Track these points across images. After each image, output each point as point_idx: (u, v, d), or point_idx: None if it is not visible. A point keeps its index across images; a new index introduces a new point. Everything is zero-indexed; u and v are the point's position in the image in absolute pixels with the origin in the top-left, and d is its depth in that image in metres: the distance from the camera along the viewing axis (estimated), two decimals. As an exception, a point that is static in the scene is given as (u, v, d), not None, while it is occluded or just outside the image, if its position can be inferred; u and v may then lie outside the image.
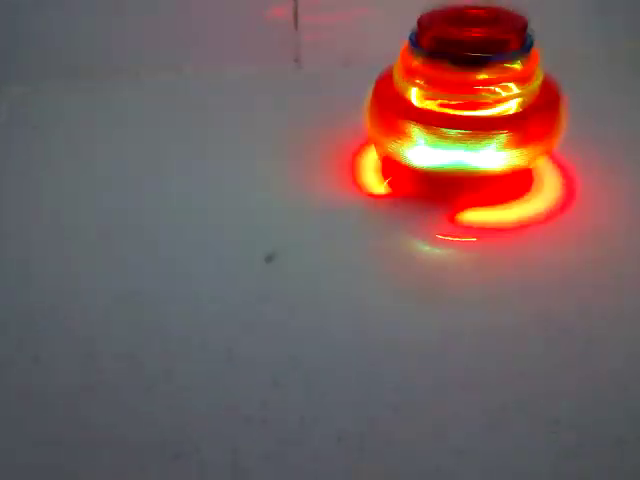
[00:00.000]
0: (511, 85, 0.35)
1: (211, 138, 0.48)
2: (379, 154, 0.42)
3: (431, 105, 0.36)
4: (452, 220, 0.38)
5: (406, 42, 0.37)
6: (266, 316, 0.32)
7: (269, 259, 0.36)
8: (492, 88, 0.35)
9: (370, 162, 0.43)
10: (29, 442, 0.26)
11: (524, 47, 0.35)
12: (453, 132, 0.35)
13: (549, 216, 0.38)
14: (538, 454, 0.25)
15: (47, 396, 0.28)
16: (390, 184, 0.41)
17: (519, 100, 0.35)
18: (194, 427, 0.26)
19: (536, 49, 0.36)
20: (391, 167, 0.41)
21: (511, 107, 0.35)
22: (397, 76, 0.38)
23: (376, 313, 0.32)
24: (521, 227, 0.37)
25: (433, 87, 0.35)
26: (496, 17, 0.36)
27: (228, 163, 0.45)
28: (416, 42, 0.36)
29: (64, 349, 0.30)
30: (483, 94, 0.35)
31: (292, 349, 0.30)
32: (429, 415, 0.27)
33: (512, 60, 0.35)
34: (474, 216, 0.38)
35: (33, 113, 0.52)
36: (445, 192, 0.39)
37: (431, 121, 0.35)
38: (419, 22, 0.36)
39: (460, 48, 0.34)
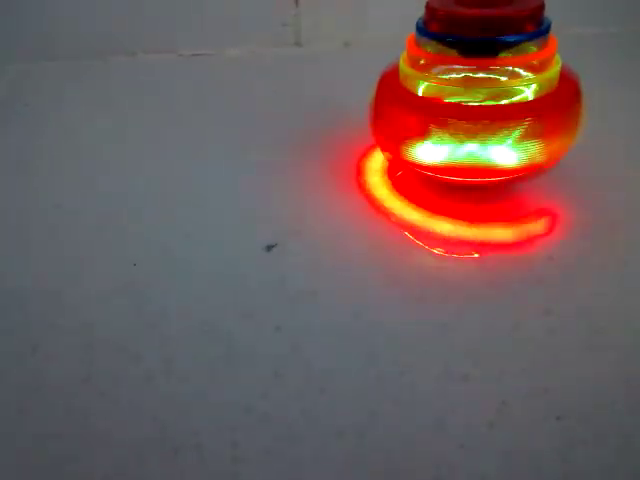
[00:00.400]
0: (527, 72, 0.33)
1: (210, 120, 0.47)
2: (386, 156, 0.40)
3: (441, 96, 0.34)
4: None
5: (412, 33, 0.35)
6: (266, 308, 0.31)
7: (269, 248, 0.35)
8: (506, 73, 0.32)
9: (376, 160, 0.42)
10: (26, 435, 0.26)
11: (541, 29, 0.33)
12: (465, 124, 0.32)
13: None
14: (539, 449, 0.25)
15: (45, 387, 0.28)
16: (399, 179, 0.39)
17: (535, 88, 0.33)
18: (194, 420, 0.26)
19: (553, 34, 0.34)
20: (399, 168, 0.40)
21: (527, 96, 0.33)
22: (404, 67, 0.35)
23: (378, 306, 0.32)
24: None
25: (442, 77, 0.33)
26: None
27: (228, 147, 0.44)
28: (424, 27, 0.34)
29: (63, 340, 0.30)
30: (497, 83, 0.32)
31: (293, 341, 0.30)
32: (430, 410, 0.27)
33: (528, 43, 0.32)
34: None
35: (30, 92, 0.52)
36: (458, 196, 0.37)
37: (441, 113, 0.33)
38: (427, 4, 0.34)
39: (471, 29, 0.32)
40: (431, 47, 0.34)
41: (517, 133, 0.33)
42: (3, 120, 0.47)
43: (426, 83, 0.34)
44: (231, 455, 0.25)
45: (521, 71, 0.33)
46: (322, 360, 0.29)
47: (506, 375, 0.28)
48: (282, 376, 0.28)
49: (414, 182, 0.39)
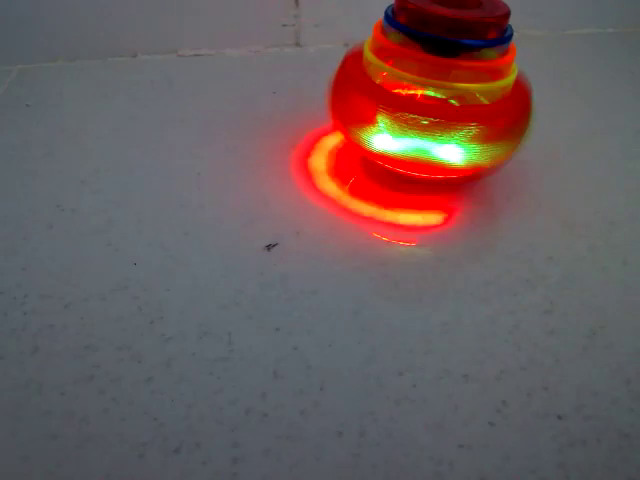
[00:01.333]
0: (485, 76, 0.33)
1: (210, 120, 0.47)
2: (342, 139, 0.40)
3: (400, 89, 0.34)
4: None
5: (380, 19, 0.36)
6: (266, 308, 0.31)
7: (270, 247, 0.35)
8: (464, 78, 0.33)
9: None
10: (26, 435, 0.26)
11: (504, 37, 0.33)
12: (420, 119, 0.33)
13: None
14: (539, 449, 0.25)
15: (45, 387, 0.27)
16: (353, 185, 0.40)
17: (491, 94, 0.34)
18: (194, 420, 0.26)
19: (514, 42, 0.35)
20: (353, 152, 0.40)
21: (482, 100, 0.34)
22: (367, 53, 0.36)
23: (378, 306, 0.32)
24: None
25: (404, 70, 0.34)
26: (479, 2, 0.34)
27: (228, 147, 0.44)
28: (392, 17, 0.34)
29: (63, 340, 0.30)
30: (454, 84, 0.33)
31: (293, 341, 0.30)
32: (430, 410, 0.27)
33: (489, 49, 0.33)
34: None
35: (29, 92, 0.52)
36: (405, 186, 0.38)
37: (398, 106, 0.33)
38: None
39: (435, 27, 0.32)
40: (395, 37, 0.34)
41: (464, 135, 0.33)
42: (3, 120, 0.47)
43: (384, 71, 0.35)
44: (231, 455, 0.25)
45: (479, 74, 0.33)
46: (322, 360, 0.29)
47: (506, 375, 0.28)
48: (282, 376, 0.28)
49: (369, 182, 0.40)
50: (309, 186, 0.40)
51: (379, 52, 0.35)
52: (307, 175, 0.41)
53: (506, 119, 0.34)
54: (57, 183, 0.40)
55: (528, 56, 0.38)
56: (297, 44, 0.60)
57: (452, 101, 0.34)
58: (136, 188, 0.40)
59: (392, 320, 0.31)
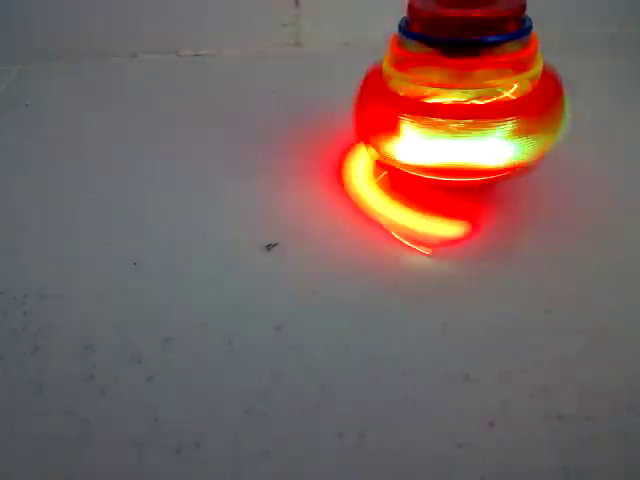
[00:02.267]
0: (509, 71, 0.33)
1: (210, 120, 0.47)
2: (371, 155, 0.40)
3: (422, 95, 0.34)
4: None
5: (395, 32, 0.35)
6: (266, 308, 0.31)
7: (270, 247, 0.35)
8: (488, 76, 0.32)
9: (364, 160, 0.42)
10: (26, 435, 0.26)
11: (523, 29, 0.33)
12: (448, 123, 0.32)
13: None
14: (539, 449, 0.25)
15: (45, 387, 0.27)
16: (384, 180, 0.40)
17: (517, 87, 0.33)
18: (194, 420, 0.26)
19: (535, 32, 0.34)
20: (384, 168, 0.40)
21: (509, 95, 0.33)
22: (387, 67, 0.35)
23: (378, 305, 0.32)
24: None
25: (425, 77, 0.33)
26: None
27: (228, 147, 0.44)
28: (407, 28, 0.34)
29: (63, 340, 0.30)
30: (480, 82, 0.32)
31: (293, 341, 0.30)
32: (430, 410, 0.27)
33: (510, 43, 0.32)
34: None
35: (30, 92, 0.52)
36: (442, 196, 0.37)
37: (423, 112, 0.33)
38: (410, 4, 0.34)
39: (453, 30, 0.32)
40: (413, 47, 0.34)
41: (499, 132, 0.33)
42: (3, 120, 0.47)
43: (407, 82, 0.34)
44: (231, 455, 0.25)
45: (503, 70, 0.33)
46: (322, 360, 0.29)
47: (506, 375, 0.28)
48: (282, 376, 0.28)
49: (399, 182, 0.39)
50: (309, 186, 0.40)
51: (399, 65, 0.35)
52: (307, 175, 0.41)
53: (538, 110, 0.34)
54: (57, 183, 0.40)
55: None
56: (297, 44, 0.60)
57: (476, 101, 0.33)
58: (136, 187, 0.40)
59: (392, 320, 0.31)
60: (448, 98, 0.33)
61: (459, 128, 0.33)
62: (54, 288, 0.32)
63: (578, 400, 0.27)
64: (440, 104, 0.33)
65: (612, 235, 0.36)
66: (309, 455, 0.25)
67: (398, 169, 0.37)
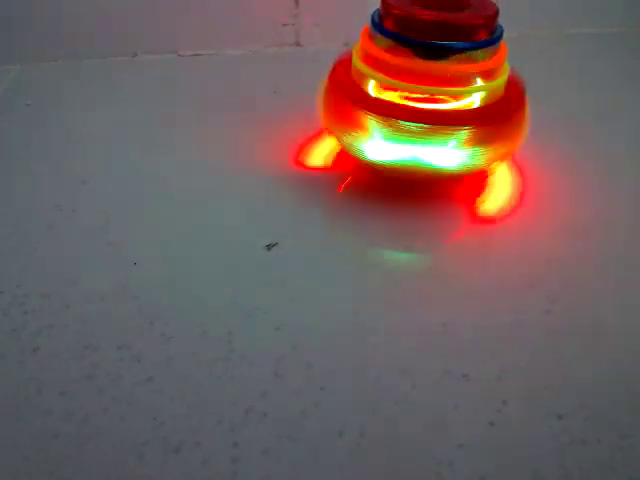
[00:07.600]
0: (476, 78, 0.33)
1: (210, 120, 0.47)
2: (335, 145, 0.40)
3: (390, 96, 0.34)
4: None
5: (367, 25, 0.35)
6: (266, 308, 0.31)
7: (270, 247, 0.35)
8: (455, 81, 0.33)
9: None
10: (26, 435, 0.26)
11: (493, 37, 0.33)
12: (411, 125, 0.32)
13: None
14: (539, 449, 0.25)
15: (45, 387, 0.27)
16: (346, 186, 0.40)
17: (483, 95, 0.33)
18: (194, 420, 0.26)
19: (504, 42, 0.34)
20: (347, 159, 0.40)
21: (474, 102, 0.33)
22: (356, 61, 0.35)
23: (377, 305, 0.32)
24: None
25: (393, 76, 0.33)
26: (467, 3, 0.33)
27: (228, 147, 0.44)
28: (379, 23, 0.34)
29: (63, 340, 0.30)
30: (445, 87, 0.33)
31: (293, 341, 0.30)
32: (430, 410, 0.27)
33: (479, 51, 0.32)
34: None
35: (30, 92, 0.52)
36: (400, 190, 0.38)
37: (389, 112, 0.33)
38: (383, 1, 0.34)
39: (424, 33, 0.32)
40: (384, 43, 0.34)
41: (459, 139, 0.33)
42: (3, 120, 0.47)
43: (374, 78, 0.34)
44: (231, 455, 0.25)
45: (470, 76, 0.33)
46: (322, 360, 0.29)
47: (506, 375, 0.28)
48: (282, 376, 0.28)
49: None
50: (309, 186, 0.40)
51: (367, 59, 0.35)
52: (307, 175, 0.41)
53: (498, 120, 0.34)
54: (57, 183, 0.40)
55: (528, 56, 0.38)
56: (297, 44, 0.60)
57: (442, 104, 0.33)
58: (136, 188, 0.40)
59: (392, 320, 0.31)
60: (413, 99, 0.34)
61: (417, 131, 0.33)
62: (54, 288, 0.32)
63: (578, 400, 0.27)
64: (404, 105, 0.34)
65: (612, 235, 0.36)
66: (309, 455, 0.25)
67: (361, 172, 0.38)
